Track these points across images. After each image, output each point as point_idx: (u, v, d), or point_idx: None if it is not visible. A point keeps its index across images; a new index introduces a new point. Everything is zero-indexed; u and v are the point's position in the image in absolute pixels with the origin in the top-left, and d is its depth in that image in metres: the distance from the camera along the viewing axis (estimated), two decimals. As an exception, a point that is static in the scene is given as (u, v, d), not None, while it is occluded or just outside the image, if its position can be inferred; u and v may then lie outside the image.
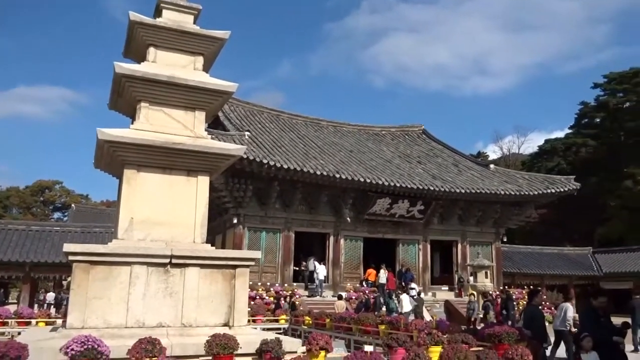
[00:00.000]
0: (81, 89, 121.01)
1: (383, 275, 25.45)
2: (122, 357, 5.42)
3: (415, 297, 22.39)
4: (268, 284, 23.87)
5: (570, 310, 12.01)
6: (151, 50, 7.72)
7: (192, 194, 7.58)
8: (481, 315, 19.08)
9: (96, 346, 4.93)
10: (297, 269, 25.05)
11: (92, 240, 26.78)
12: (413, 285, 24.98)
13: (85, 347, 4.88)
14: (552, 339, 12.11)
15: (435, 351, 6.65)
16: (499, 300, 18.95)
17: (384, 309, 19.40)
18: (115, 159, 7.17)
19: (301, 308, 19.05)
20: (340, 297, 20.47)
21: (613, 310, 14.23)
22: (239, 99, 31.25)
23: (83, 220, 36.27)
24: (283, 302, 21.71)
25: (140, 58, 7.90)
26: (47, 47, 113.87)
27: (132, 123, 7.54)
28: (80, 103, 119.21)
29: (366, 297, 22.25)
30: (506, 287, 30.66)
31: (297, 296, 22.78)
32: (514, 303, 19.72)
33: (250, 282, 21.57)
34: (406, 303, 19.38)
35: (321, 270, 25.19)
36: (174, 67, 7.73)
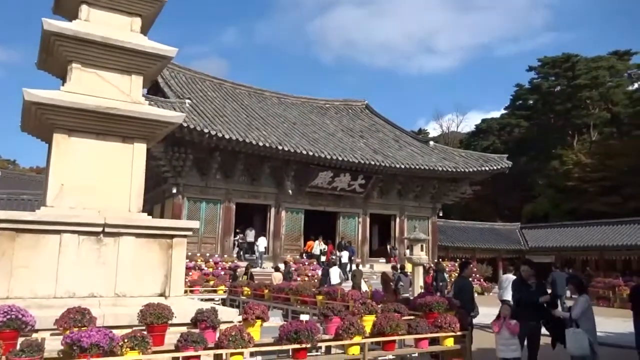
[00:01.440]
0: (8, 46, 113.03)
1: (317, 247, 26.14)
2: (50, 327, 5.25)
3: (351, 270, 22.96)
4: (207, 254, 23.73)
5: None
6: (84, 7, 7.29)
7: (128, 162, 7.33)
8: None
9: (20, 316, 4.74)
10: (235, 239, 24.96)
11: (19, 208, 25.45)
12: (343, 254, 25.54)
13: (8, 317, 4.68)
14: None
15: (369, 320, 6.87)
16: (431, 272, 19.69)
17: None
18: (44, 122, 6.80)
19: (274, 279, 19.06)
20: (277, 269, 20.65)
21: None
22: (180, 65, 30.28)
23: (10, 187, 34.32)
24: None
25: (72, 16, 7.45)
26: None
27: (63, 85, 7.16)
28: (7, 61, 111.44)
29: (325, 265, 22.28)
30: (440, 259, 31.96)
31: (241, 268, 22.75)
32: (445, 275, 20.58)
33: (189, 253, 21.51)
34: (334, 276, 19.84)
35: (261, 242, 25.28)
36: (109, 27, 7.35)
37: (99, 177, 7.02)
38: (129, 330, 4.93)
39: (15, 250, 6.03)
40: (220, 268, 22.58)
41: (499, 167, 30.94)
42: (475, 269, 30.92)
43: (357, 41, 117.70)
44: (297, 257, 26.56)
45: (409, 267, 24.22)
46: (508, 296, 13.72)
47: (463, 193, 33.19)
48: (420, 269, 22.38)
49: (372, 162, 26.59)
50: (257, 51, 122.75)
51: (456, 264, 30.81)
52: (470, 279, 12.01)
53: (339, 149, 27.07)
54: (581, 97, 50.28)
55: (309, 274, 24.08)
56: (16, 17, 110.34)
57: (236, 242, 25.14)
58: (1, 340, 4.50)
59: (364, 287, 21.48)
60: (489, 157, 32.74)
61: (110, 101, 7.06)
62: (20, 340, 4.61)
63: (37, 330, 5.14)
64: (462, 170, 29.57)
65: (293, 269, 24.26)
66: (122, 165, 7.20)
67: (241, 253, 25.13)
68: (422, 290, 17.37)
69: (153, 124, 7.40)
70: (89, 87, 7.07)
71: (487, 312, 12.00)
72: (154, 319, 5.35)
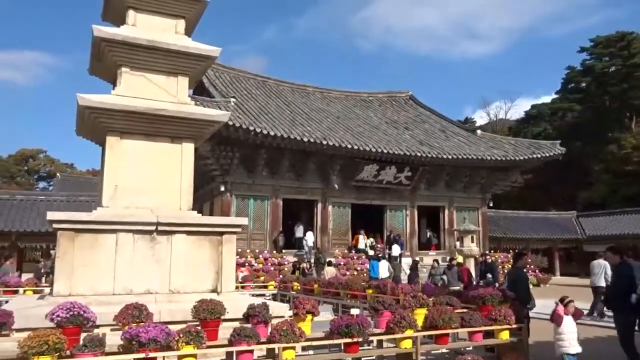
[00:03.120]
0: (63, 53, 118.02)
1: (362, 241, 26.11)
2: (109, 323, 5.45)
3: (393, 263, 22.86)
4: (257, 250, 24.06)
5: (609, 267, 12.07)
6: (130, 12, 7.51)
7: (177, 161, 7.52)
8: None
9: (82, 312, 4.95)
10: (280, 236, 25.15)
11: (78, 209, 26.63)
12: (394, 248, 25.39)
13: (71, 313, 4.89)
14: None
15: (421, 313, 6.78)
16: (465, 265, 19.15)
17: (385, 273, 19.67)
18: (97, 125, 7.06)
19: (327, 274, 19.15)
20: (330, 263, 20.72)
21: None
22: (224, 65, 30.77)
23: (68, 189, 35.93)
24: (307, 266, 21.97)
25: (120, 21, 7.69)
26: (13, 8, 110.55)
27: (114, 89, 7.41)
28: (61, 68, 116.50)
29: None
30: (492, 251, 31.22)
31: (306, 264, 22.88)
32: (495, 267, 20.09)
33: (239, 249, 21.81)
34: (383, 269, 19.72)
35: (309, 237, 25.43)
36: (154, 30, 7.54)
37: (150, 177, 7.23)
38: (183, 326, 5.05)
39: (76, 250, 6.30)
40: (269, 264, 22.88)
41: (551, 153, 29.87)
42: (529, 260, 30.03)
43: (398, 30, 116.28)
44: (346, 251, 26.58)
45: (459, 259, 23.86)
46: (601, 282, 13.61)
47: (514, 182, 32.30)
48: (472, 260, 22.00)
49: (418, 154, 26.23)
50: (298, 47, 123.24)
51: (509, 256, 30.07)
52: (525, 270, 11.64)
53: (384, 141, 26.84)
54: (638, 76, 47.82)
55: (358, 268, 24.08)
56: (67, 23, 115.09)
57: (280, 239, 25.25)
58: (65, 335, 4.71)
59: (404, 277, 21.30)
60: (540, 144, 31.67)
61: (159, 103, 7.25)
62: (83, 335, 4.80)
63: (98, 326, 5.35)
64: (512, 158, 28.74)
65: (342, 262, 24.34)
66: (172, 165, 7.39)
67: (279, 248, 25.24)
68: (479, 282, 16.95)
69: (200, 123, 7.55)
70: (138, 90, 7.29)
71: (544, 304, 11.62)
72: (207, 315, 5.46)
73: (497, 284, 15.90)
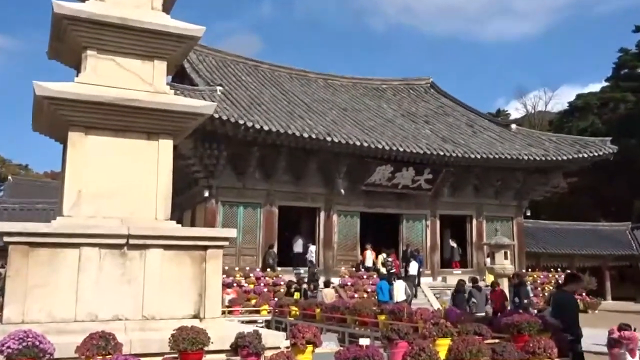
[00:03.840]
0: (16, 33, 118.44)
1: (369, 258, 26.29)
2: (70, 355, 5.45)
3: (419, 284, 22.90)
4: (247, 268, 24.07)
5: None
6: (98, -15, 7.54)
7: (153, 161, 7.53)
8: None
9: (37, 343, 4.94)
10: (271, 250, 25.14)
11: (33, 219, 26.65)
12: (411, 266, 25.44)
13: (25, 344, 4.89)
14: None
15: (444, 344, 6.77)
16: (497, 288, 19.04)
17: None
18: (58, 119, 7.08)
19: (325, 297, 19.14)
20: (327, 284, 20.75)
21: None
22: (209, 47, 30.86)
23: (22, 195, 36.03)
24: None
25: (85, -5, 7.71)
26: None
27: (77, 76, 7.43)
28: (14, 51, 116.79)
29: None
30: (529, 269, 31.17)
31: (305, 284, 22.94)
32: (529, 289, 20.08)
33: (226, 267, 21.88)
34: (400, 291, 19.73)
35: (313, 252, 25.48)
36: (126, 6, 7.56)
37: (120, 180, 7.24)
38: (159, 359, 5.05)
39: (30, 268, 6.30)
40: (262, 284, 22.89)
41: (600, 152, 29.86)
42: (584, 284, 29.88)
43: (416, 7, 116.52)
44: (353, 269, 26.59)
45: (489, 279, 23.81)
46: None
47: (555, 187, 32.25)
48: (505, 281, 21.95)
49: (441, 153, 26.25)
50: (297, 25, 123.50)
51: (550, 275, 30.02)
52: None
53: (400, 137, 26.87)
54: None
55: (368, 290, 24.08)
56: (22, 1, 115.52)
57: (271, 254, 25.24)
58: (18, 370, 4.71)
59: (436, 303, 21.30)
60: (587, 140, 31.67)
61: (131, 92, 7.27)
62: (39, 370, 4.80)
63: (56, 359, 5.35)
64: (553, 158, 28.73)
65: (349, 283, 24.35)
66: (147, 165, 7.40)
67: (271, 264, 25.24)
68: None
69: (180, 116, 7.57)
70: (106, 77, 7.31)
71: (593, 334, 11.54)
72: (188, 345, 5.46)
73: (532, 310, 15.87)
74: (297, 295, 20.71)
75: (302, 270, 25.09)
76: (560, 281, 27.54)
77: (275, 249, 25.35)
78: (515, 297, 18.09)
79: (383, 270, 25.60)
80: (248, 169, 24.96)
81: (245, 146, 23.90)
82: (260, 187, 25.66)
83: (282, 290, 22.34)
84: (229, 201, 25.18)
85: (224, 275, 20.05)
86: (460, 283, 19.28)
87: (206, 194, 24.27)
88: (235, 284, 22.23)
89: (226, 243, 7.42)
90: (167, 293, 6.89)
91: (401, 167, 26.73)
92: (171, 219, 7.49)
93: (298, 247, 26.48)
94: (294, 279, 23.13)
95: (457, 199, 30.00)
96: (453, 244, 30.37)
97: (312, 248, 25.69)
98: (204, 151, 23.31)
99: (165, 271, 6.89)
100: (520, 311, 12.25)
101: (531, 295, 20.38)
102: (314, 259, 25.32)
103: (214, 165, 24.01)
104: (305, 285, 21.93)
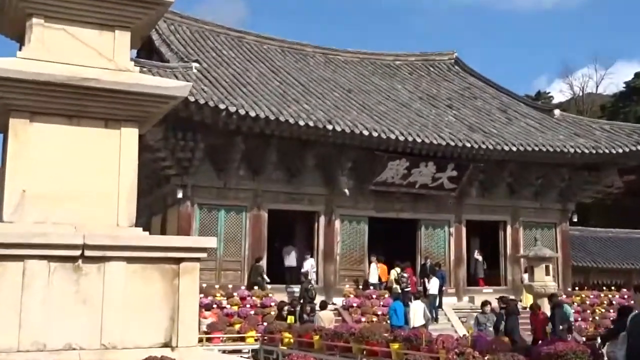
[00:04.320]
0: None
1: (374, 272, 26.46)
2: (14, 393, 5.45)
3: (440, 306, 22.89)
4: (230, 286, 24.08)
5: None
6: (45, -63, 7.53)
7: (114, 155, 7.52)
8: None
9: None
10: (258, 264, 25.16)
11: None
12: (431, 283, 25.48)
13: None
14: None
15: (471, 379, 6.78)
16: (539, 311, 19.09)
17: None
18: (-4, 103, 7.07)
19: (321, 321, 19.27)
20: (323, 306, 20.80)
21: None
22: (183, 15, 30.87)
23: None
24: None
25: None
26: None
27: (20, 49, 7.42)
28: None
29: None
30: (576, 287, 31.17)
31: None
32: (569, 311, 20.07)
33: (204, 284, 21.87)
34: (418, 314, 19.78)
35: (309, 265, 25.46)
36: (81, -37, 7.54)
37: (74, 178, 7.23)
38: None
39: (-38, 285, 6.29)
40: (248, 305, 22.90)
41: (664, 144, 29.92)
42: (633, 302, 29.94)
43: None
44: (360, 287, 26.63)
45: (528, 300, 23.85)
46: None
47: (609, 186, 32.28)
48: (546, 301, 21.96)
49: (468, 144, 26.27)
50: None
51: (601, 295, 29.99)
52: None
53: (417, 125, 26.89)
54: None
55: (379, 313, 24.11)
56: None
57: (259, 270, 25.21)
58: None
59: (461, 329, 21.33)
60: (648, 129, 31.72)
61: (87, 69, 7.25)
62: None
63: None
64: (606, 151, 28.74)
65: (355, 304, 24.38)
66: (106, 160, 7.40)
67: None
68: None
69: (147, 99, 7.56)
70: (56, 51, 7.28)
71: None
72: (158, 381, 5.46)
73: (573, 336, 15.91)
74: (290, 319, 20.72)
75: (296, 288, 25.12)
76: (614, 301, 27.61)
77: (264, 263, 25.37)
78: (550, 320, 18.18)
79: (397, 288, 25.67)
80: (231, 165, 24.97)
81: (228, 136, 23.91)
82: (245, 186, 25.70)
83: (272, 312, 22.37)
84: (208, 204, 25.23)
85: (202, 295, 20.03)
86: (512, 302, 19.59)
87: (179, 194, 24.30)
88: (215, 305, 22.21)
89: (204, 255, 7.42)
90: (132, 316, 6.89)
91: (419, 162, 26.76)
92: (137, 225, 7.49)
93: (291, 260, 26.53)
94: (287, 299, 23.17)
95: (488, 202, 30.04)
96: (478, 256, 30.37)
97: (310, 262, 25.68)
98: (176, 142, 23.31)
99: (129, 289, 6.89)
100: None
101: (571, 318, 20.37)
102: (313, 275, 25.34)
103: (188, 160, 24.02)
104: (306, 307, 21.95)
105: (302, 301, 22.74)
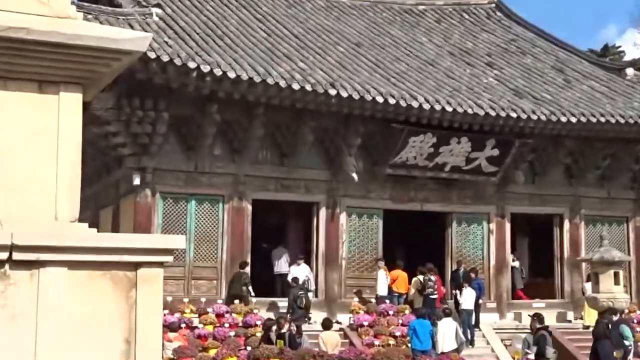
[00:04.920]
0: None
1: (382, 280, 26.29)
2: None
3: (477, 323, 22.89)
4: (203, 300, 24.10)
5: None
6: None
7: (51, 128, 7.51)
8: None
9: None
10: (242, 271, 25.10)
11: None
12: (465, 295, 25.47)
13: None
14: None
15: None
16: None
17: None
18: None
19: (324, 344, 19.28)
20: (327, 325, 20.75)
21: None
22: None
23: None
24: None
25: None
26: None
27: None
28: None
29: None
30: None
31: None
32: (624, 333, 20.11)
33: (169, 297, 21.93)
34: (449, 335, 19.80)
35: (300, 272, 25.44)
36: None
37: (-3, 158, 7.23)
38: None
39: None
40: (227, 325, 22.95)
41: None
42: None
43: None
44: (372, 301, 26.63)
45: (590, 316, 23.88)
46: None
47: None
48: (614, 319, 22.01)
49: (513, 114, 26.24)
50: None
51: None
52: None
53: (447, 90, 26.86)
54: None
55: (396, 334, 24.17)
56: None
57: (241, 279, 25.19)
58: None
59: (503, 354, 21.45)
60: None
61: (14, 16, 7.23)
62: None
63: None
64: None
65: (366, 323, 24.45)
66: (41, 134, 7.38)
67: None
68: None
69: (93, 54, 7.52)
70: (-27, -9, 7.27)
71: None
72: None
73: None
74: (280, 342, 20.77)
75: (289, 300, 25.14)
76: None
77: (248, 270, 25.34)
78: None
79: (416, 295, 25.75)
80: (203, 142, 24.94)
81: (200, 105, 23.88)
82: (223, 170, 25.71)
83: (258, 334, 22.40)
84: (174, 192, 25.25)
85: (166, 311, 20.09)
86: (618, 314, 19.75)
87: (136, 181, 24.22)
88: (183, 325, 22.30)
89: (169, 259, 7.39)
90: (75, 338, 6.90)
91: (449, 138, 26.79)
92: (81, 220, 7.49)
93: (282, 265, 26.64)
94: (276, 316, 23.18)
95: (539, 189, 30.11)
96: (514, 262, 30.18)
97: (304, 269, 25.62)
98: (132, 113, 23.26)
99: (71, 302, 6.89)
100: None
101: (629, 342, 20.37)
102: (310, 282, 25.37)
103: (148, 136, 23.99)
104: (287, 327, 21.82)
105: (289, 314, 22.80)
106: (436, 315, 21.61)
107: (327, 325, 20.58)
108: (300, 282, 25.04)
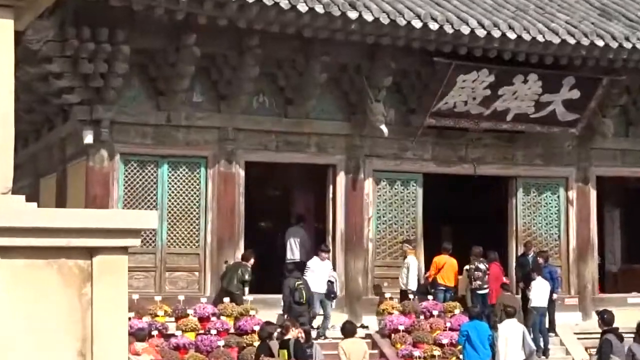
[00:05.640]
0: None
1: (413, 269, 26.25)
2: None
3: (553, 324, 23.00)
4: (181, 298, 24.21)
5: None
6: None
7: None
8: None
9: None
10: (244, 263, 25.16)
11: None
12: (535, 287, 25.52)
13: None
14: None
15: None
16: None
17: None
18: None
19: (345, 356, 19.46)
20: (350, 331, 20.85)
21: None
22: None
23: None
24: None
25: None
26: None
27: None
28: None
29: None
30: None
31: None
32: None
33: (136, 295, 22.00)
34: (514, 341, 19.91)
35: (321, 272, 25.37)
36: None
37: None
38: None
39: None
40: (215, 332, 23.04)
41: None
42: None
43: None
44: (411, 297, 26.67)
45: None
46: None
47: None
48: None
49: (598, 42, 26.16)
50: None
51: None
52: None
53: (508, 11, 26.75)
54: None
55: (442, 341, 24.25)
56: None
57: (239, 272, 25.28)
58: None
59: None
60: None
61: None
62: None
63: None
64: None
65: (401, 327, 24.54)
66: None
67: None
68: None
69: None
70: None
71: None
72: None
73: None
74: (283, 354, 20.88)
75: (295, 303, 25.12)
76: None
77: (250, 262, 25.27)
78: None
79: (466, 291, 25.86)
80: (179, 84, 24.95)
81: (172, 33, 23.87)
82: (205, 122, 25.74)
83: (255, 343, 22.50)
84: (139, 154, 25.29)
85: (132, 313, 20.21)
86: None
87: (88, 138, 24.19)
88: (155, 332, 22.41)
89: (135, 242, 7.44)
90: (8, 350, 6.97)
91: (512, 77, 26.79)
92: (16, 192, 7.54)
93: (293, 251, 26.77)
94: (278, 320, 23.31)
95: (635, 144, 30.03)
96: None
97: (324, 267, 25.57)
98: (81, 47, 23.26)
99: (5, 302, 6.97)
100: None
101: None
102: (336, 286, 25.37)
103: (103, 78, 23.99)
104: (293, 331, 21.86)
105: (284, 313, 22.95)
106: (495, 314, 21.67)
107: (349, 330, 20.63)
108: (318, 284, 24.94)
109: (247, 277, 24.91)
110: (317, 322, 25.11)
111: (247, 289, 25.04)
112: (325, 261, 25.93)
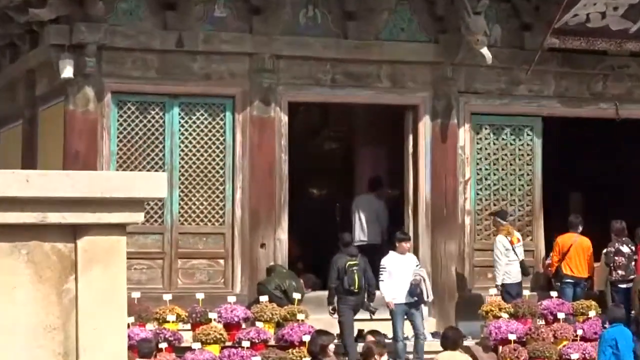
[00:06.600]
0: None
1: (501, 254, 25.99)
2: None
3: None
4: (200, 297, 24.30)
5: None
6: None
7: None
8: None
9: None
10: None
11: None
12: None
13: None
14: None
15: None
16: None
17: None
18: None
19: None
20: (453, 341, 20.94)
21: None
22: None
23: None
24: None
25: None
26: None
27: None
28: None
29: None
30: None
31: None
32: None
33: (137, 292, 22.06)
34: None
35: (404, 267, 25.32)
36: None
37: None
38: None
39: None
40: (249, 343, 23.14)
41: None
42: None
43: None
44: (532, 293, 26.72)
45: None
46: None
47: None
48: None
49: None
50: None
51: None
52: None
53: None
54: None
55: (572, 356, 24.26)
56: None
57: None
58: None
59: None
60: None
61: None
62: None
63: None
64: None
65: (520, 330, 24.61)
66: None
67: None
68: None
69: None
70: None
71: None
72: None
73: None
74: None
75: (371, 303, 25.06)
76: None
77: (307, 290, 25.34)
78: None
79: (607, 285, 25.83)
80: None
81: None
82: (232, 46, 25.84)
83: (305, 359, 22.62)
84: (139, 92, 25.46)
85: (133, 318, 20.33)
86: None
87: (67, 71, 24.30)
88: (164, 344, 22.55)
89: (137, 218, 7.44)
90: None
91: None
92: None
93: (364, 228, 26.83)
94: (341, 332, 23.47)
95: None
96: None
97: (408, 261, 25.46)
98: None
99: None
100: None
101: None
102: (426, 286, 25.23)
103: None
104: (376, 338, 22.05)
105: (329, 303, 23.02)
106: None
107: (452, 340, 20.71)
108: (399, 290, 24.79)
109: (294, 295, 24.87)
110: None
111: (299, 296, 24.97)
112: (407, 255, 25.72)
